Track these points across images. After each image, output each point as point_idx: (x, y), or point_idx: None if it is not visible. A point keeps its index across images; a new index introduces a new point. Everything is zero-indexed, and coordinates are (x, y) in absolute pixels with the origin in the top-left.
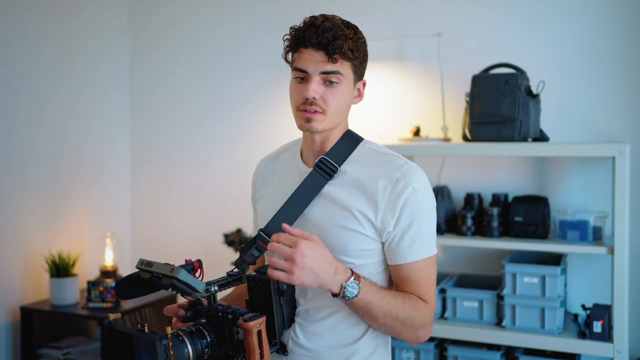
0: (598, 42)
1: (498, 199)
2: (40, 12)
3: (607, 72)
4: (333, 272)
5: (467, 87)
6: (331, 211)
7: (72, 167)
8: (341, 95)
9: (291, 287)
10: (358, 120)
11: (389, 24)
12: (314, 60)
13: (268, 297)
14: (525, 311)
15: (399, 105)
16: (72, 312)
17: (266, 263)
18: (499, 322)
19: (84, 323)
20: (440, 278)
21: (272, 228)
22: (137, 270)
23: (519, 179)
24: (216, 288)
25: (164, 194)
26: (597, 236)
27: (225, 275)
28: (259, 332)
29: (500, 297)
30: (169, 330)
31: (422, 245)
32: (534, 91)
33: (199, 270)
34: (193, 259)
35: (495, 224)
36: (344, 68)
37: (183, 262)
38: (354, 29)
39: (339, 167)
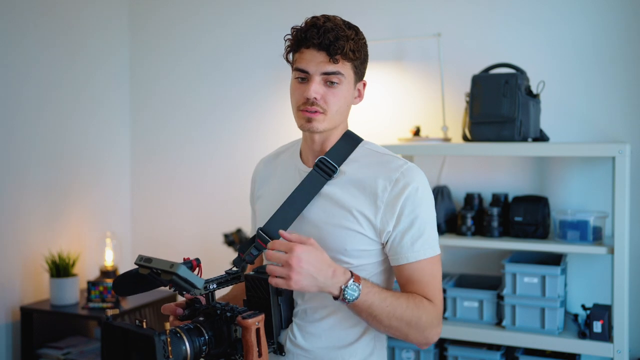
0: (598, 42)
1: (498, 199)
2: (40, 12)
3: (607, 72)
4: (331, 275)
5: (467, 87)
6: (330, 211)
7: (72, 167)
8: (342, 95)
9: None
10: (358, 120)
11: (389, 24)
12: (315, 61)
13: (266, 296)
14: (525, 311)
15: (399, 105)
16: (72, 312)
17: (264, 263)
18: (499, 322)
19: (84, 323)
20: None
21: (271, 227)
22: (135, 266)
23: (519, 179)
24: (215, 286)
25: (164, 194)
26: (597, 236)
27: (224, 273)
28: (258, 330)
29: (500, 297)
30: (167, 326)
31: (424, 244)
32: (534, 91)
33: (197, 268)
34: (192, 258)
35: (495, 224)
36: (345, 69)
37: (181, 261)
38: (355, 29)
39: (339, 167)
